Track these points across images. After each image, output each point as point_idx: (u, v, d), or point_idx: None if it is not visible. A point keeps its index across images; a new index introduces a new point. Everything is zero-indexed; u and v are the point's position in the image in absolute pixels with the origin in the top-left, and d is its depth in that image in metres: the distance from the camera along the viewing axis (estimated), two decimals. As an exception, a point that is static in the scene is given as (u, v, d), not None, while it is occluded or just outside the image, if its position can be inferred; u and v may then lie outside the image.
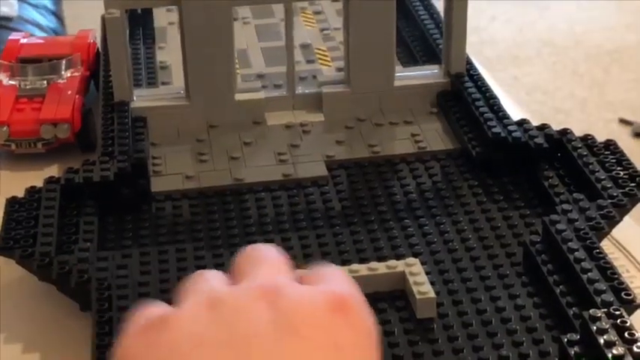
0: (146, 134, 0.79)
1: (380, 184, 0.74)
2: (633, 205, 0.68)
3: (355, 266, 0.62)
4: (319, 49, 0.95)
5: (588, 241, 0.62)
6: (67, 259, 0.63)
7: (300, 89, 0.84)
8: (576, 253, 0.61)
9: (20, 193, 0.70)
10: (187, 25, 0.79)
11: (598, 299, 0.57)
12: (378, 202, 0.72)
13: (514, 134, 0.74)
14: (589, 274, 0.59)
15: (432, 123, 0.82)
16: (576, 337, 0.54)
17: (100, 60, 0.89)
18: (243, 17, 1.00)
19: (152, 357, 0.37)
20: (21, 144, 0.82)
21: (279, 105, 0.83)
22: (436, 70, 0.85)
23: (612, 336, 0.52)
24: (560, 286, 0.60)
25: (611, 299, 0.57)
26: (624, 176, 0.70)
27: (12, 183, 0.78)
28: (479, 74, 0.83)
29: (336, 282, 0.41)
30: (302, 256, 0.66)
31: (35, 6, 1.28)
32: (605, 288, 0.57)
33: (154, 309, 0.39)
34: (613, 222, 0.65)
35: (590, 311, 0.54)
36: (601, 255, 0.60)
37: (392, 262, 0.63)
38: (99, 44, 0.93)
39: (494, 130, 0.75)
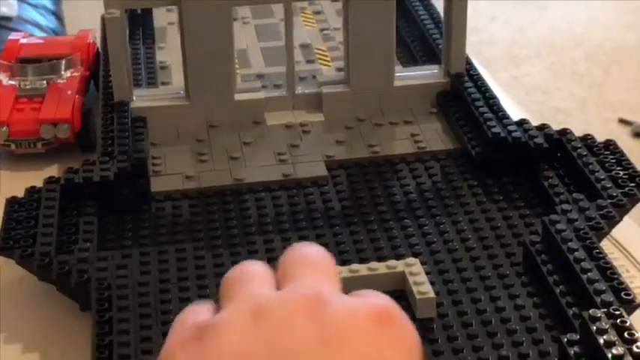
0: (146, 134, 0.79)
1: (380, 184, 0.74)
2: (633, 205, 0.68)
3: (355, 266, 0.62)
4: (319, 49, 0.95)
5: (588, 241, 0.62)
6: (67, 259, 0.63)
7: (299, 89, 0.84)
8: (576, 253, 0.61)
9: (20, 193, 0.70)
10: (187, 25, 0.79)
11: (598, 299, 0.57)
12: (378, 202, 0.72)
13: (514, 134, 0.74)
14: (589, 274, 0.59)
15: (432, 123, 0.82)
16: (576, 337, 0.54)
17: (100, 60, 0.89)
18: (242, 17, 1.00)
19: None
20: (21, 144, 0.82)
21: (278, 105, 0.83)
22: (436, 70, 0.85)
23: (612, 336, 0.52)
24: (560, 286, 0.60)
25: (611, 299, 0.57)
26: (624, 176, 0.70)
27: (12, 183, 0.78)
28: (479, 74, 0.83)
29: (376, 295, 0.40)
30: (302, 256, 0.66)
31: (35, 6, 1.28)
32: (604, 288, 0.57)
33: (200, 313, 0.39)
34: (613, 222, 0.65)
35: (590, 311, 0.54)
36: (601, 255, 0.61)
37: (392, 262, 0.63)
38: (99, 44, 0.93)
39: (493, 130, 0.75)
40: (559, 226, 0.63)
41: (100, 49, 0.92)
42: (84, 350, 0.58)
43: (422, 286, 0.60)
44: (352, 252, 0.67)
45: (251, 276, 0.41)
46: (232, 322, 0.38)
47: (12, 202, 0.69)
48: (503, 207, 0.71)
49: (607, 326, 0.53)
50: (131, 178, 0.72)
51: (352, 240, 0.68)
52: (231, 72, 0.82)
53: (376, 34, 0.81)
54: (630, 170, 0.71)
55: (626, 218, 0.68)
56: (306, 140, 0.80)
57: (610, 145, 0.73)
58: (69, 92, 0.84)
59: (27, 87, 0.85)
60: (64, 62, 0.87)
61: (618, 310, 0.54)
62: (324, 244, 0.67)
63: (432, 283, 0.61)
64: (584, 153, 0.72)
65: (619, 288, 0.58)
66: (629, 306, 0.57)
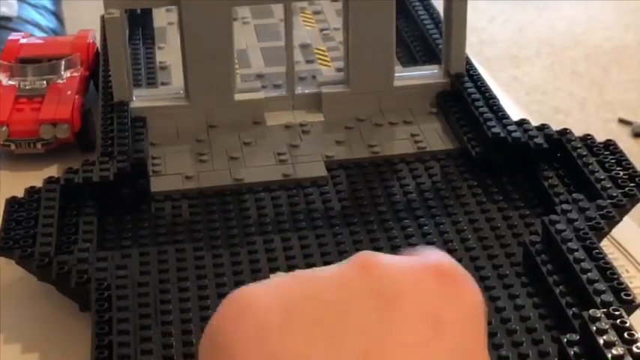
0: (146, 134, 0.79)
1: (379, 184, 0.74)
2: (633, 205, 0.68)
3: (355, 266, 0.62)
4: (319, 49, 0.95)
5: (588, 241, 0.62)
6: (67, 260, 0.63)
7: (299, 89, 0.84)
8: (576, 253, 0.61)
9: (20, 193, 0.70)
10: (187, 25, 0.79)
11: (597, 299, 0.57)
12: (378, 202, 0.72)
13: (514, 134, 0.74)
14: (589, 274, 0.59)
15: (432, 123, 0.82)
16: (576, 337, 0.54)
17: (100, 60, 0.89)
18: (242, 17, 1.00)
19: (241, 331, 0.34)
20: (20, 144, 0.82)
21: (278, 105, 0.83)
22: (436, 70, 0.85)
23: (612, 336, 0.52)
24: (560, 287, 0.60)
25: (611, 299, 0.57)
26: (624, 176, 0.70)
27: (12, 183, 0.78)
28: (478, 74, 0.83)
29: (438, 254, 0.37)
30: (302, 256, 0.66)
31: (35, 6, 1.28)
32: (604, 288, 0.57)
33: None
34: (613, 222, 0.65)
35: (590, 311, 0.54)
36: (601, 255, 0.61)
37: (391, 262, 0.62)
38: (98, 44, 0.93)
39: (493, 130, 0.75)
40: (559, 226, 0.63)
41: (99, 49, 0.92)
42: (84, 350, 0.58)
43: (422, 286, 0.60)
44: (352, 252, 0.66)
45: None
46: (276, 286, 0.36)
47: (12, 202, 0.69)
48: (503, 207, 0.71)
49: (607, 326, 0.53)
50: (131, 178, 0.72)
51: (352, 240, 0.68)
52: (231, 72, 0.82)
53: (376, 34, 0.81)
54: (630, 170, 0.71)
55: (626, 218, 0.68)
56: (306, 140, 0.80)
57: (610, 145, 0.73)
58: (69, 92, 0.84)
59: (27, 87, 0.85)
60: (63, 62, 0.87)
61: (618, 310, 0.54)
62: (324, 244, 0.67)
63: (432, 283, 0.61)
64: (584, 153, 0.72)
65: (619, 288, 0.58)
66: (629, 306, 0.57)
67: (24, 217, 0.67)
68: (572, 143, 0.73)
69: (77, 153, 0.82)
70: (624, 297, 0.57)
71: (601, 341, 0.52)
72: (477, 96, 0.80)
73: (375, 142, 0.79)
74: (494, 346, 0.57)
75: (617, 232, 0.68)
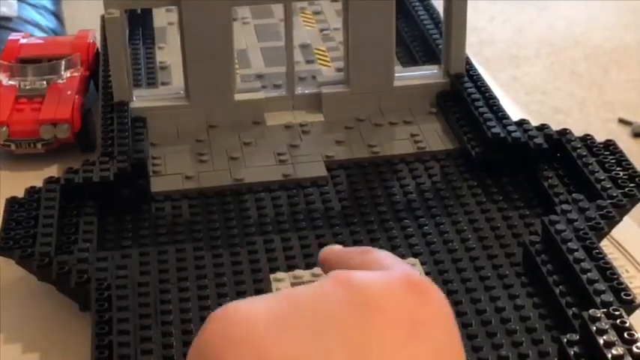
0: (146, 134, 0.79)
1: (379, 185, 0.74)
2: (633, 206, 0.68)
3: (355, 266, 0.62)
4: (319, 50, 0.95)
5: (588, 242, 0.62)
6: (67, 260, 0.63)
7: (299, 89, 0.84)
8: (576, 253, 0.61)
9: (20, 193, 0.70)
10: (187, 25, 0.79)
11: (597, 299, 0.57)
12: (378, 203, 0.72)
13: (513, 134, 0.74)
14: (588, 274, 0.59)
15: (432, 123, 0.82)
16: (576, 337, 0.54)
17: (100, 60, 0.89)
18: (242, 17, 1.01)
19: (230, 344, 0.36)
20: (21, 144, 0.82)
21: (278, 105, 0.83)
22: (436, 71, 0.85)
23: (612, 336, 0.52)
24: (560, 287, 0.60)
25: (611, 299, 0.57)
26: (624, 176, 0.70)
27: (12, 183, 0.78)
28: (478, 74, 0.83)
29: (404, 267, 0.40)
30: (302, 256, 0.66)
31: (35, 6, 1.28)
32: (604, 288, 0.57)
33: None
34: (612, 222, 0.65)
35: (590, 311, 0.54)
36: (600, 255, 0.61)
37: (391, 263, 0.62)
38: (98, 44, 0.93)
39: (493, 130, 0.75)
40: (559, 227, 0.63)
41: (100, 49, 0.92)
42: (84, 350, 0.58)
43: (422, 286, 0.60)
44: (352, 252, 0.66)
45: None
46: (265, 303, 0.38)
47: (12, 202, 0.69)
48: (503, 207, 0.71)
49: (607, 326, 0.53)
50: (131, 178, 0.72)
51: (352, 240, 0.68)
52: (231, 72, 0.82)
53: (376, 34, 0.81)
54: (630, 170, 0.71)
55: (626, 218, 0.68)
56: (306, 140, 0.80)
57: (610, 146, 0.73)
58: (69, 92, 0.84)
59: (27, 87, 0.85)
60: (63, 62, 0.87)
61: (618, 310, 0.54)
62: (324, 244, 0.67)
63: (432, 283, 0.61)
64: (584, 153, 0.72)
65: (619, 288, 0.58)
66: (629, 306, 0.57)
67: (24, 217, 0.67)
68: (572, 143, 0.73)
69: (77, 153, 0.82)
70: (624, 297, 0.57)
71: (601, 341, 0.52)
72: (477, 96, 0.80)
73: (375, 142, 0.79)
74: (494, 346, 0.57)
75: (617, 232, 0.68)
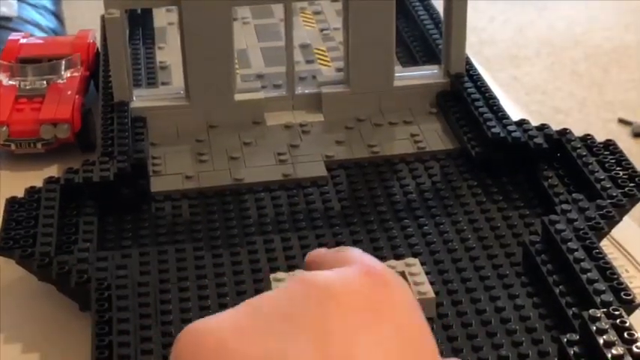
0: (146, 134, 0.79)
1: (379, 185, 0.74)
2: (633, 205, 0.68)
3: (355, 266, 0.62)
4: (319, 50, 0.95)
5: (588, 241, 0.62)
6: (67, 259, 0.63)
7: (299, 89, 0.84)
8: (576, 253, 0.61)
9: (20, 193, 0.70)
10: (187, 25, 0.79)
11: (597, 299, 0.57)
12: (378, 202, 0.72)
13: (513, 134, 0.74)
14: (588, 274, 0.59)
15: (432, 123, 0.82)
16: (576, 337, 0.54)
17: (100, 60, 0.89)
18: (242, 17, 1.01)
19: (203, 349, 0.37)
20: (21, 144, 0.82)
21: (278, 105, 0.83)
22: (436, 71, 0.85)
23: (612, 336, 0.52)
24: (560, 286, 0.60)
25: (611, 299, 0.57)
26: (624, 176, 0.70)
27: (12, 183, 0.78)
28: (478, 74, 0.83)
29: (369, 259, 0.41)
30: (302, 256, 0.66)
31: (35, 6, 1.28)
32: (604, 288, 0.57)
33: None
34: (612, 222, 0.65)
35: (590, 311, 0.54)
36: (600, 255, 0.61)
37: (391, 262, 0.62)
38: (99, 44, 0.93)
39: (493, 130, 0.75)
40: (559, 226, 0.63)
41: (100, 49, 0.92)
42: (84, 350, 0.58)
43: (421, 286, 0.60)
44: (352, 252, 0.66)
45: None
46: (228, 315, 0.39)
47: (12, 202, 0.69)
48: (503, 207, 0.71)
49: (607, 326, 0.53)
50: (131, 178, 0.72)
51: (352, 240, 0.68)
52: (231, 72, 0.82)
53: (376, 34, 0.81)
54: (630, 170, 0.71)
55: (626, 218, 0.68)
56: (306, 140, 0.80)
57: (610, 145, 0.73)
58: (69, 92, 0.84)
59: (27, 87, 0.85)
60: (64, 62, 0.87)
61: (618, 310, 0.54)
62: (324, 244, 0.67)
63: (432, 283, 0.61)
64: (584, 153, 0.72)
65: (619, 288, 0.58)
66: (629, 306, 0.57)
67: (24, 217, 0.67)
68: (572, 143, 0.73)
69: (77, 153, 0.82)
70: (624, 297, 0.57)
71: (601, 341, 0.52)
72: (477, 96, 0.80)
73: (375, 142, 0.79)
74: (493, 346, 0.57)
75: (617, 232, 0.68)
